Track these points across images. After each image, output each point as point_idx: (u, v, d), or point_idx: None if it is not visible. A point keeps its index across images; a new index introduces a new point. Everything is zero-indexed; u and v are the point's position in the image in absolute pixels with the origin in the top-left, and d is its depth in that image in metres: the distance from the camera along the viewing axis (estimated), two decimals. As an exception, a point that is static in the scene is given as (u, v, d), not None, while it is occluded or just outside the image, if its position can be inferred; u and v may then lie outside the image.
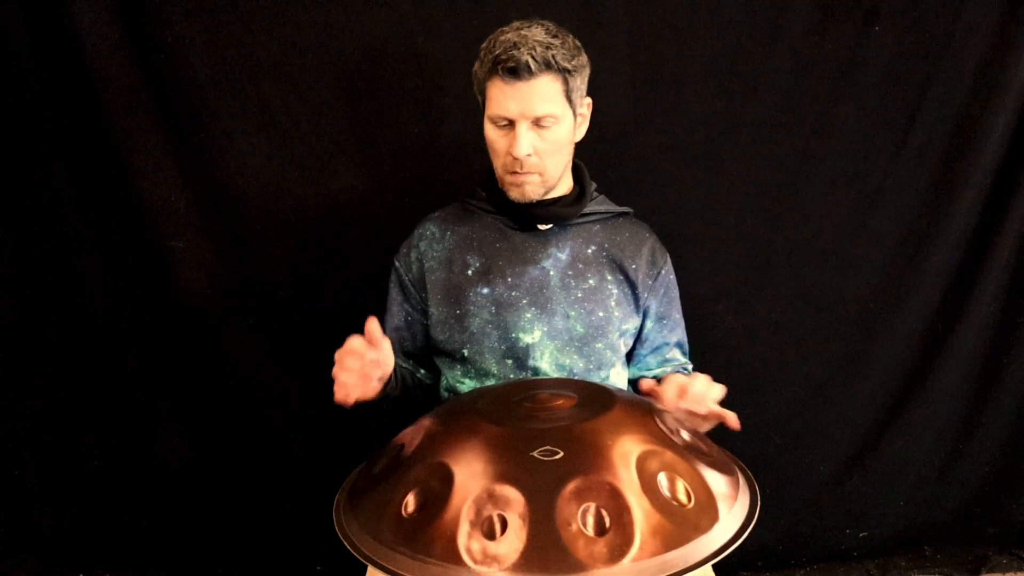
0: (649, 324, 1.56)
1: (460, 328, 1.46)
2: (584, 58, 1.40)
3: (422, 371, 1.61)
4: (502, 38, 1.34)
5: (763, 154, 1.90)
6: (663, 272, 1.55)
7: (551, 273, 1.47)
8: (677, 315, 1.60)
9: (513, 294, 1.45)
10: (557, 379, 1.40)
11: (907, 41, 1.86)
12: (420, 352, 1.59)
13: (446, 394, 1.54)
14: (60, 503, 1.96)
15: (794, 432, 2.08)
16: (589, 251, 1.49)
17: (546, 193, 1.45)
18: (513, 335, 1.44)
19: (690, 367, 1.61)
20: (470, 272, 1.47)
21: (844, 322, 2.04)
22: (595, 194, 1.54)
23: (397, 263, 1.56)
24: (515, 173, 1.40)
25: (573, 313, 1.45)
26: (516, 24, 1.36)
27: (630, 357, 1.58)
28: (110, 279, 1.83)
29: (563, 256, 1.48)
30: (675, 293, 1.59)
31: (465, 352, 1.46)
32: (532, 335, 1.44)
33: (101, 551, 1.99)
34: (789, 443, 2.08)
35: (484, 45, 1.38)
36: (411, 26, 1.75)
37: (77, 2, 1.64)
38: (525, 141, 1.36)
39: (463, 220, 1.53)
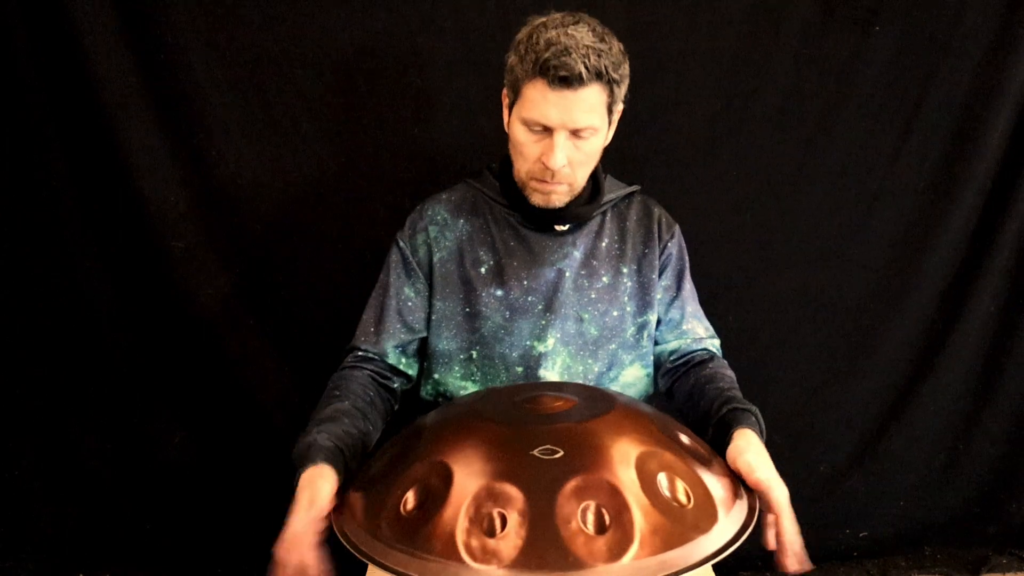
0: (658, 297, 1.47)
1: (470, 328, 1.40)
2: (627, 66, 1.31)
3: (397, 382, 1.44)
4: (547, 35, 1.22)
5: (763, 154, 1.91)
6: (668, 245, 1.47)
7: (566, 275, 1.40)
8: (688, 286, 1.50)
9: (529, 299, 1.39)
10: (558, 382, 1.37)
11: (907, 41, 1.86)
12: (412, 344, 1.45)
13: (430, 399, 1.47)
14: (60, 503, 1.95)
15: (794, 432, 2.08)
16: (603, 245, 1.43)
17: (569, 200, 1.39)
18: (527, 343, 1.38)
19: (717, 343, 1.51)
20: (483, 270, 1.40)
21: (844, 322, 2.04)
22: (602, 175, 1.47)
23: (401, 242, 1.45)
24: (543, 181, 1.33)
25: (587, 316, 1.40)
26: (558, 18, 1.25)
27: None
28: (110, 279, 1.83)
29: (577, 254, 1.41)
30: (682, 264, 1.50)
31: (474, 354, 1.40)
32: (546, 343, 1.38)
33: (101, 551, 1.99)
34: (789, 443, 2.08)
35: (523, 38, 1.27)
36: (411, 25, 1.75)
37: (77, 2, 1.63)
38: (561, 153, 1.27)
39: (474, 209, 1.45)
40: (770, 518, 1.12)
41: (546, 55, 1.21)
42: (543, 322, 1.39)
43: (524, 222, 1.42)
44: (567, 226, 1.42)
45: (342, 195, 1.83)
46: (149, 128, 1.74)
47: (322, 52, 1.75)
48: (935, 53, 1.87)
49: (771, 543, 1.12)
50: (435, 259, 1.42)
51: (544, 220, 1.41)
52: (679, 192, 1.90)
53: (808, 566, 1.09)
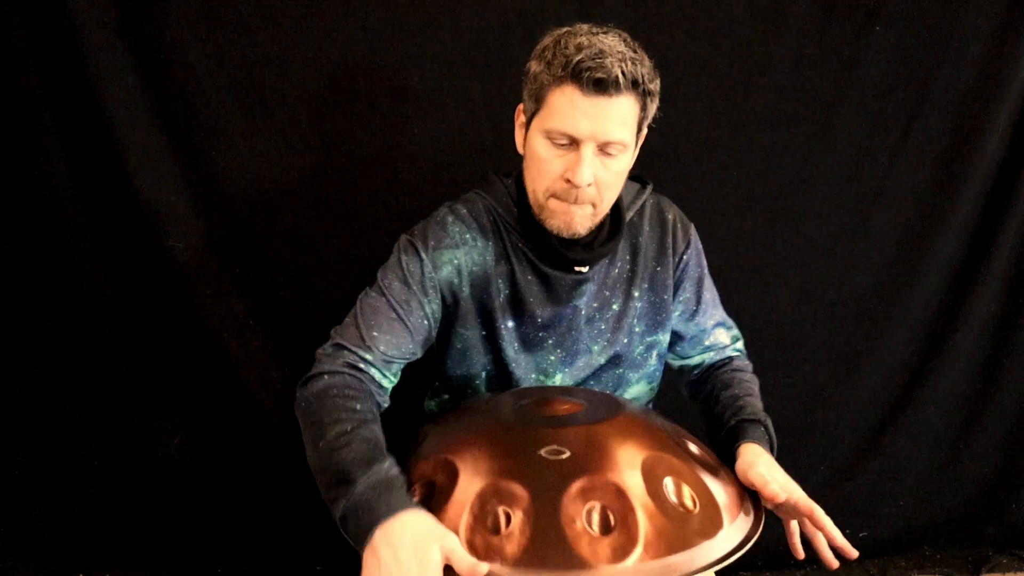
0: (676, 313, 1.40)
1: (485, 351, 1.34)
2: (659, 83, 1.19)
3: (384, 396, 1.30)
4: (578, 40, 1.12)
5: (763, 154, 1.91)
6: (683, 256, 1.38)
7: (582, 312, 1.32)
8: (708, 295, 1.42)
9: (540, 334, 1.32)
10: (566, 387, 1.35)
11: (907, 41, 1.86)
12: (398, 364, 1.29)
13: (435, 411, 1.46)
14: (60, 503, 1.95)
15: (794, 432, 2.08)
16: (615, 271, 1.34)
17: (591, 228, 1.26)
18: (532, 375, 1.34)
19: (740, 344, 1.47)
20: (500, 299, 1.30)
21: (844, 322, 2.04)
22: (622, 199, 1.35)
23: (423, 253, 1.28)
24: (564, 200, 1.20)
25: (596, 347, 1.34)
26: (585, 28, 1.16)
27: (670, 347, 1.44)
28: (110, 279, 1.83)
29: (592, 287, 1.32)
30: (701, 271, 1.41)
31: (483, 374, 1.35)
32: (554, 379, 1.34)
33: (101, 551, 1.99)
34: (789, 443, 2.07)
35: (549, 44, 1.16)
36: (411, 26, 1.74)
37: (77, 2, 1.63)
38: (588, 169, 1.15)
39: (495, 233, 1.32)
40: (793, 525, 1.12)
41: (579, 57, 1.10)
42: (552, 357, 1.34)
43: (542, 260, 1.30)
44: (587, 268, 1.30)
45: (342, 195, 1.82)
46: (149, 128, 1.73)
47: (322, 52, 1.74)
48: (935, 53, 1.87)
49: (799, 551, 1.11)
50: (463, 285, 1.30)
51: (565, 261, 1.28)
52: (679, 192, 1.89)
53: (855, 553, 1.07)
